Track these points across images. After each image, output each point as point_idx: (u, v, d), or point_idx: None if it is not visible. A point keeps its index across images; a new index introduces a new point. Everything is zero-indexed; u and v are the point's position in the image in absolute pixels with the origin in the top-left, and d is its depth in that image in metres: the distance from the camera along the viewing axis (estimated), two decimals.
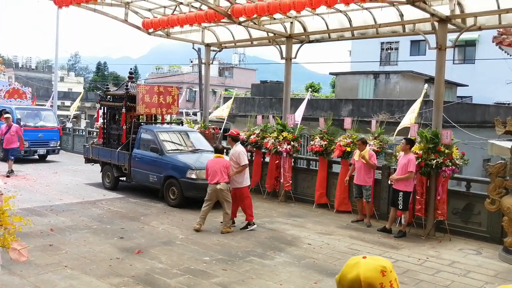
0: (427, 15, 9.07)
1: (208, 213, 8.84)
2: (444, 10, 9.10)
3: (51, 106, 24.92)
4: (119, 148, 12.22)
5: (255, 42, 13.56)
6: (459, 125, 15.73)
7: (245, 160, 8.89)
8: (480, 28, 9.58)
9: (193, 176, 10.36)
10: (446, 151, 8.67)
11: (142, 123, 12.58)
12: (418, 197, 9.03)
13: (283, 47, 12.54)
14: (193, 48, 15.80)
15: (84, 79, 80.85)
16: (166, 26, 11.56)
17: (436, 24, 9.34)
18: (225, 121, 16.02)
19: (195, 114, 32.33)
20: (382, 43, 30.64)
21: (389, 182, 9.33)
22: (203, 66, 16.56)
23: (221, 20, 10.56)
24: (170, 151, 11.23)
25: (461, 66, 27.94)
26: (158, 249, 7.46)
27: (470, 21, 9.46)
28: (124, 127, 12.20)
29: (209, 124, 14.57)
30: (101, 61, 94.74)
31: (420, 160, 8.76)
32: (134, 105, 12.13)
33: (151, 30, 12.46)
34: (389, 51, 31.14)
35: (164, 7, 12.02)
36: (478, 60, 26.20)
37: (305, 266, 6.88)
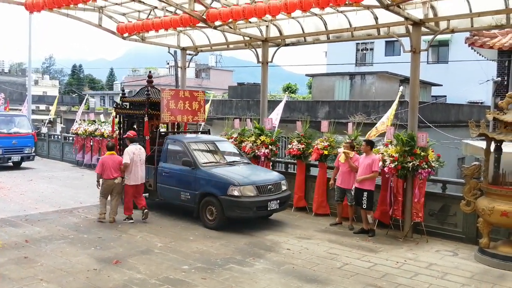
0: (401, 19, 9.17)
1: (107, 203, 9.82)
2: (417, 13, 9.23)
3: (26, 110, 24.39)
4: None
5: (231, 46, 13.53)
6: (434, 125, 15.97)
7: (125, 159, 9.65)
8: (453, 31, 9.74)
9: (236, 193, 9.01)
10: (422, 153, 8.78)
11: (163, 133, 11.40)
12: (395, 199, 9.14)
13: (259, 50, 12.54)
14: (168, 52, 15.59)
15: (59, 82, 79.51)
16: (141, 31, 11.43)
17: (410, 27, 9.46)
18: (202, 124, 15.93)
19: None
20: (357, 44, 30.93)
21: (355, 185, 9.40)
22: (179, 69, 16.44)
23: (197, 25, 10.50)
24: (205, 165, 9.82)
25: (435, 66, 28.41)
26: (136, 258, 7.36)
27: (443, 24, 9.61)
28: (147, 137, 10.80)
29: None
30: (76, 64, 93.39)
31: (396, 163, 8.86)
32: (157, 113, 10.98)
33: (125, 35, 12.30)
34: (364, 52, 31.46)
35: (139, 11, 11.90)
36: (451, 61, 26.64)
37: (285, 273, 6.88)
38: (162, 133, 11.29)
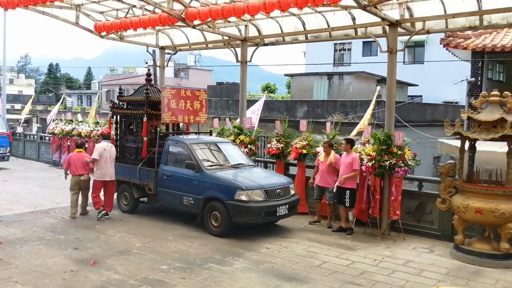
0: (378, 19, 9.29)
1: (78, 200, 10.18)
2: (394, 14, 9.36)
3: (0, 109, 23.90)
4: (141, 163, 10.27)
5: (210, 45, 13.50)
6: (410, 124, 16.22)
7: (94, 155, 9.95)
8: (428, 32, 9.91)
9: (244, 198, 8.51)
10: (399, 152, 8.91)
11: (161, 133, 10.66)
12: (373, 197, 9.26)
13: (238, 50, 12.55)
14: (147, 51, 15.46)
15: (35, 81, 78.08)
16: (119, 29, 11.29)
17: (387, 27, 9.59)
18: (181, 124, 15.83)
19: None
20: (335, 44, 31.19)
21: (337, 184, 9.49)
22: (157, 68, 16.33)
23: (175, 24, 10.44)
24: (209, 167, 9.31)
25: (412, 66, 28.83)
26: (114, 259, 7.29)
27: (419, 25, 9.76)
28: (145, 139, 10.28)
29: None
30: (53, 62, 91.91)
31: (374, 161, 8.97)
32: (156, 113, 10.45)
33: (103, 33, 12.14)
34: (342, 52, 31.75)
35: (117, 9, 11.77)
36: (427, 61, 27.08)
37: (264, 271, 6.90)
38: (162, 134, 10.62)
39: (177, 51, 14.35)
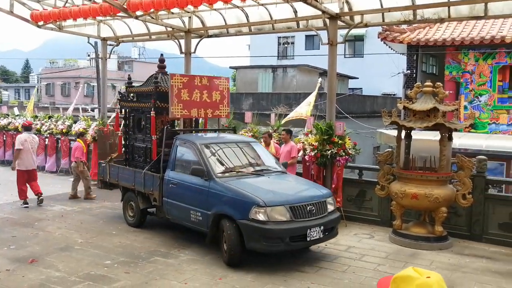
0: (319, 12, 9.48)
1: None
2: (334, 7, 9.58)
3: None
4: (146, 168, 8.57)
5: (153, 37, 13.27)
6: (351, 115, 16.70)
7: (16, 145, 10.52)
8: (366, 25, 10.22)
9: (261, 217, 6.45)
10: (340, 142, 9.18)
11: (169, 131, 8.62)
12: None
13: (182, 41, 12.42)
14: (88, 42, 14.97)
15: None
16: (58, 19, 10.85)
17: (327, 20, 9.79)
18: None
19: (93, 110, 31.01)
20: (279, 37, 31.50)
21: None
22: (100, 61, 15.87)
23: (117, 14, 10.18)
24: (221, 175, 7.35)
25: (352, 59, 29.63)
26: (54, 256, 7.07)
27: (357, 19, 10.04)
28: (154, 137, 8.56)
29: (107, 121, 14.03)
30: None
31: (316, 151, 9.19)
32: (167, 105, 8.55)
33: (41, 23, 11.61)
34: (285, 45, 32.12)
35: None
36: (366, 54, 27.93)
37: (210, 262, 6.92)
38: (172, 132, 8.75)
39: (119, 43, 13.99)
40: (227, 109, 9.47)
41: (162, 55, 9.69)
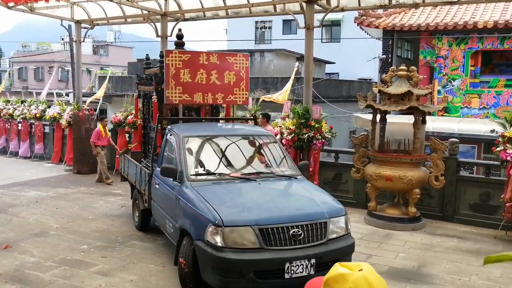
0: None
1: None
2: None
3: None
4: (145, 162, 7.74)
5: (129, 20, 13.06)
6: (327, 100, 16.81)
7: None
8: (343, 9, 10.23)
9: (217, 240, 4.70)
10: (316, 125, 9.26)
11: (161, 118, 7.38)
12: None
13: (159, 25, 12.26)
14: (61, 25, 14.62)
15: None
16: (29, 0, 10.58)
17: (304, 4, 9.79)
18: (100, 102, 15.32)
19: (67, 94, 30.44)
20: (256, 22, 31.30)
21: None
22: (74, 44, 15.54)
23: None
24: (195, 177, 5.75)
25: (329, 44, 29.67)
26: (29, 241, 6.99)
27: (334, 3, 10.05)
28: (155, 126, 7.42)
29: (83, 106, 13.81)
30: None
31: (293, 134, 9.26)
32: None
33: (11, 4, 11.29)
34: (263, 30, 31.97)
35: None
36: (343, 39, 28.01)
37: None
38: (162, 118, 7.38)
39: (94, 26, 13.71)
40: (245, 93, 7.75)
41: (180, 30, 8.18)
